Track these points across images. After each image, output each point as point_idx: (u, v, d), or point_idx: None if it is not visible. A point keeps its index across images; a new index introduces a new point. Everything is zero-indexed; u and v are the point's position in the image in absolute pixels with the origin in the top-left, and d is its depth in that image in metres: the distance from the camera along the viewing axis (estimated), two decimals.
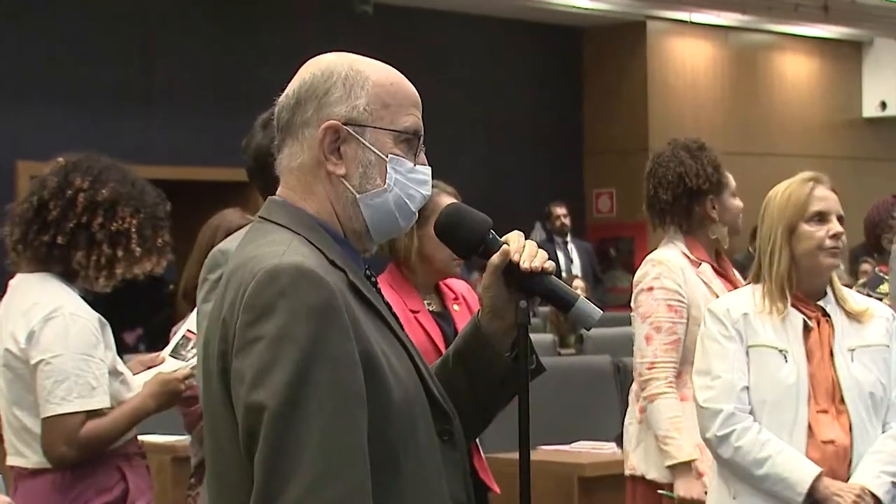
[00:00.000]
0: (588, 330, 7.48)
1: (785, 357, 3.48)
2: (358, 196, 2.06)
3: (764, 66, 15.04)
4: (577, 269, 11.46)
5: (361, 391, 1.92)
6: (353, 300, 1.98)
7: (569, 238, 11.77)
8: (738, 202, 4.33)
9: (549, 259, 2.16)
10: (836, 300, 3.58)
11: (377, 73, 2.08)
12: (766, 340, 3.49)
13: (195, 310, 3.44)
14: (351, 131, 2.04)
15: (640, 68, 13.93)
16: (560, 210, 11.70)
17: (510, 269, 2.15)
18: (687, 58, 14.28)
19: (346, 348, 1.91)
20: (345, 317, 1.93)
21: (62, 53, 10.73)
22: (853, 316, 3.56)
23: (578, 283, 10.20)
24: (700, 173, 4.25)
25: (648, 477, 4.14)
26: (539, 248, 2.17)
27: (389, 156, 2.06)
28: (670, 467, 4.04)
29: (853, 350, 3.54)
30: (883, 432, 3.52)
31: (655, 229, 4.38)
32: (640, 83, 13.90)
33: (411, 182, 2.08)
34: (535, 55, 13.84)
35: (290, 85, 2.10)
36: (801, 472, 3.40)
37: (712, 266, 4.25)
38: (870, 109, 15.76)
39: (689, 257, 4.21)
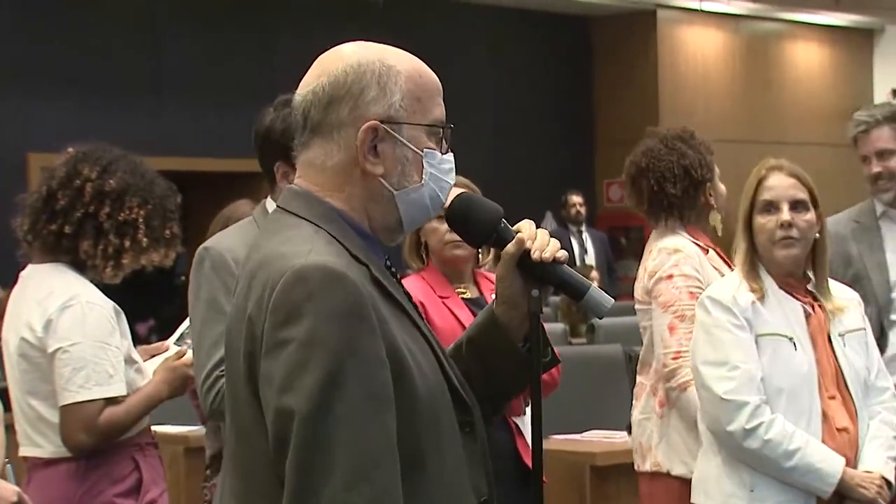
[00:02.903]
0: (600, 318, 7.49)
1: (794, 345, 3.45)
2: (396, 193, 2.04)
3: (775, 54, 15.01)
4: (591, 258, 11.45)
5: (390, 393, 1.91)
6: (378, 296, 1.97)
7: (584, 227, 11.76)
8: (723, 186, 4.29)
9: (561, 248, 2.16)
10: (818, 289, 3.56)
11: (406, 66, 2.06)
12: (776, 328, 3.46)
13: None
14: (389, 130, 2.02)
15: (651, 57, 13.91)
16: (576, 198, 11.70)
17: (523, 258, 2.15)
18: (697, 46, 14.25)
19: (374, 350, 1.90)
20: (373, 318, 1.91)
21: (72, 45, 10.74)
22: (833, 306, 3.55)
23: (593, 273, 10.17)
24: (702, 163, 4.20)
25: (674, 473, 4.03)
26: (551, 237, 2.17)
27: (425, 150, 2.05)
28: None
29: (843, 335, 3.53)
30: (868, 416, 3.52)
31: (657, 225, 4.26)
32: (650, 72, 13.88)
33: (441, 173, 2.08)
34: (545, 45, 13.82)
35: (313, 79, 2.05)
36: (831, 462, 3.38)
37: (717, 252, 4.21)
38: (881, 97, 15.71)
39: (697, 244, 4.15)
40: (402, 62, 2.06)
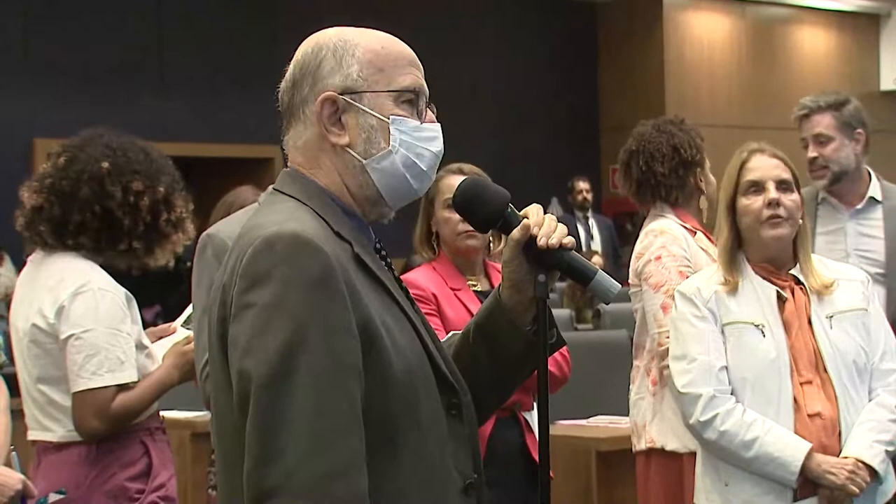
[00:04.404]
0: (606, 304, 7.44)
1: (762, 331, 3.37)
2: (364, 162, 2.05)
3: (781, 39, 14.97)
4: (596, 244, 11.46)
5: (356, 361, 1.90)
6: (357, 272, 1.97)
7: (590, 213, 11.77)
8: (712, 177, 4.34)
9: (568, 234, 2.15)
10: (803, 271, 3.46)
11: (367, 39, 2.08)
12: (741, 316, 3.39)
13: None
14: (348, 99, 2.04)
15: (657, 42, 13.88)
16: (583, 185, 11.71)
17: (530, 243, 2.14)
18: (704, 32, 14.22)
19: (340, 319, 1.90)
20: (341, 286, 1.91)
21: (78, 31, 10.73)
22: (820, 286, 3.45)
23: (597, 259, 10.18)
24: (692, 144, 4.29)
25: (668, 448, 4.09)
26: (558, 222, 2.17)
27: (391, 117, 2.05)
28: None
29: (831, 317, 3.42)
30: (869, 400, 3.41)
31: (646, 206, 4.34)
32: (656, 57, 13.86)
33: (418, 140, 2.07)
34: (551, 30, 13.80)
35: (288, 70, 2.11)
36: (792, 450, 3.28)
37: (705, 234, 4.25)
38: (887, 82, 15.69)
39: (684, 227, 4.22)
40: (362, 37, 2.08)
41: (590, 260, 2.27)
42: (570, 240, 2.14)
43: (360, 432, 1.88)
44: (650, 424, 4.17)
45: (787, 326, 3.40)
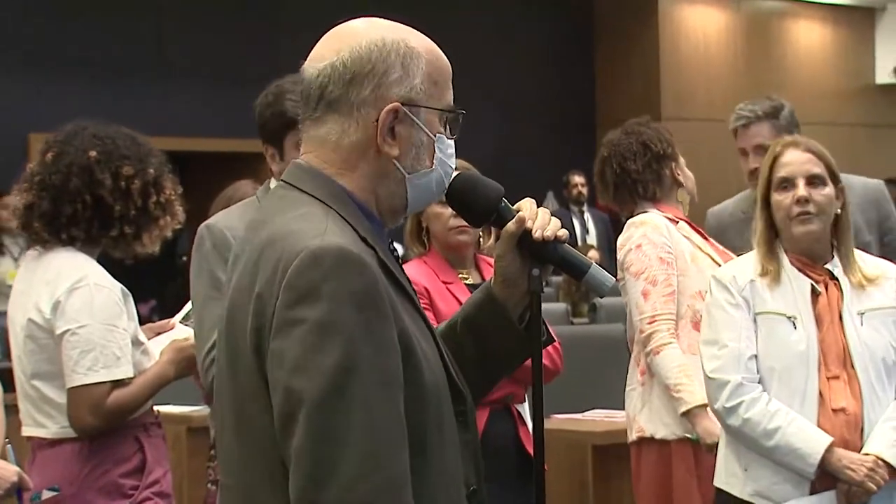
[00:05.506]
0: (601, 297, 7.51)
1: (794, 324, 3.42)
2: (408, 176, 2.04)
3: (776, 33, 14.97)
4: (592, 238, 11.49)
5: (400, 377, 1.90)
6: (385, 280, 1.95)
7: (585, 207, 11.80)
8: (690, 172, 4.38)
9: (563, 227, 2.16)
10: (842, 264, 3.50)
11: (426, 48, 2.06)
12: (774, 307, 3.43)
13: None
14: (408, 112, 2.02)
15: (652, 36, 13.88)
16: (578, 179, 11.74)
17: (524, 237, 2.14)
18: (699, 26, 14.22)
19: (388, 336, 1.90)
20: (386, 302, 1.91)
21: (73, 26, 10.72)
22: (860, 280, 3.48)
23: (594, 253, 10.19)
24: (661, 138, 4.32)
25: (657, 437, 4.12)
26: (552, 216, 2.17)
27: (437, 135, 2.05)
28: (686, 414, 3.99)
29: (863, 314, 3.46)
30: (895, 398, 3.44)
31: (627, 208, 4.36)
32: (651, 51, 13.85)
33: (447, 158, 2.08)
34: (546, 24, 13.79)
35: (330, 52, 2.02)
36: (813, 442, 3.32)
37: (689, 223, 4.29)
38: (883, 76, 15.67)
39: (667, 217, 4.25)
40: (422, 45, 2.05)
41: (586, 255, 2.28)
42: (564, 232, 2.14)
43: (407, 449, 1.89)
44: (639, 414, 4.20)
45: (818, 320, 3.44)
